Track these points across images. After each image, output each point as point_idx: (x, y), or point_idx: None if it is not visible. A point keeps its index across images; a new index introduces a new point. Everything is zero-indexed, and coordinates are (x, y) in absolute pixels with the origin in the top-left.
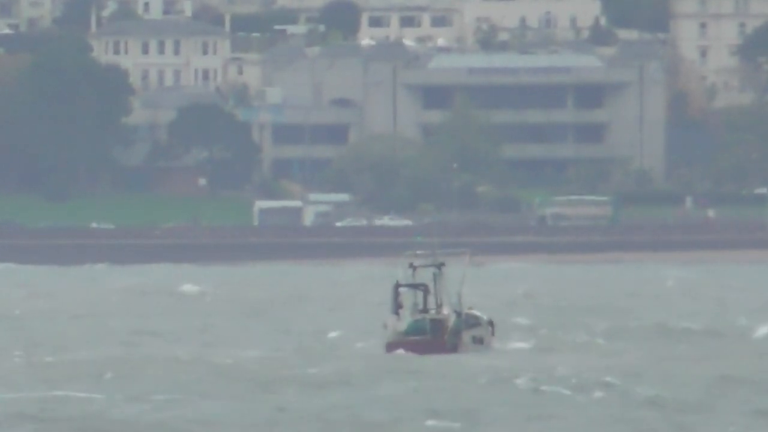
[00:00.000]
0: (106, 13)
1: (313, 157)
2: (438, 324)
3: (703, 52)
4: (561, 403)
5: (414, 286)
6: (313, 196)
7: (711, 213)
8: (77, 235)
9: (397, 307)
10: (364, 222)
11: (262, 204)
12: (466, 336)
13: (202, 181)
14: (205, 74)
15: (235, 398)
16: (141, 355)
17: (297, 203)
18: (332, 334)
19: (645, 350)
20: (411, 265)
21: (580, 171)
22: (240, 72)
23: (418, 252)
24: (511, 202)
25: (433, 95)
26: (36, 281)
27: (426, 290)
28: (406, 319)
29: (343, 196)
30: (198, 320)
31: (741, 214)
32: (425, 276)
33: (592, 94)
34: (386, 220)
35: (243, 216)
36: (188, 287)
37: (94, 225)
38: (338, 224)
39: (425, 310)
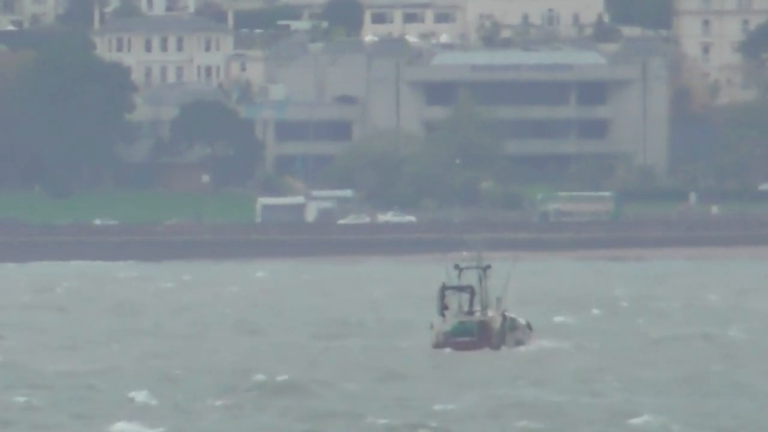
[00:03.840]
0: (108, 9)
1: (316, 154)
2: (484, 326)
3: (706, 49)
4: None
5: (460, 288)
6: (316, 193)
7: (715, 209)
8: (80, 231)
9: (443, 308)
10: (366, 219)
11: (265, 200)
12: (510, 338)
13: (205, 178)
14: (208, 71)
15: None
16: None
17: (300, 199)
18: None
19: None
20: (457, 267)
21: (582, 167)
22: (243, 68)
23: (465, 253)
24: (513, 198)
25: (436, 92)
26: None
27: (472, 292)
28: (451, 320)
29: (346, 193)
30: None
31: (745, 211)
32: (471, 278)
33: (594, 91)
34: (389, 216)
35: (246, 212)
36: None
37: (97, 221)
38: (341, 221)
39: (470, 312)
